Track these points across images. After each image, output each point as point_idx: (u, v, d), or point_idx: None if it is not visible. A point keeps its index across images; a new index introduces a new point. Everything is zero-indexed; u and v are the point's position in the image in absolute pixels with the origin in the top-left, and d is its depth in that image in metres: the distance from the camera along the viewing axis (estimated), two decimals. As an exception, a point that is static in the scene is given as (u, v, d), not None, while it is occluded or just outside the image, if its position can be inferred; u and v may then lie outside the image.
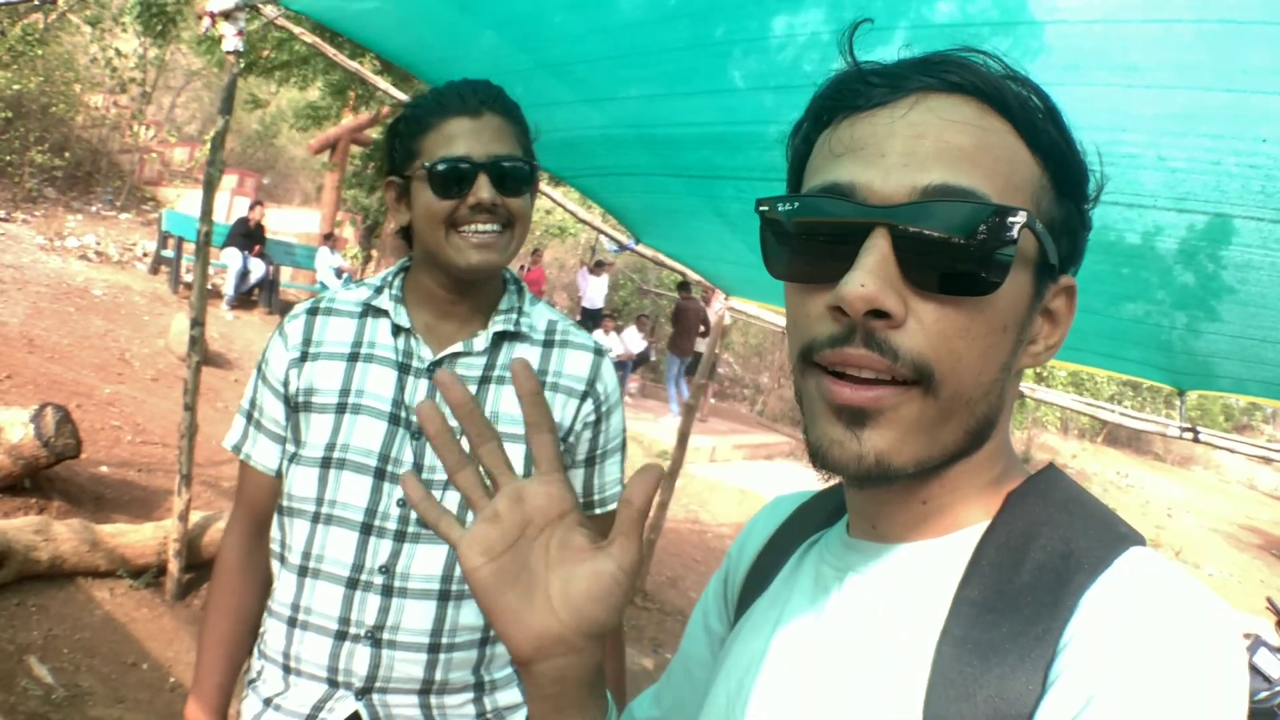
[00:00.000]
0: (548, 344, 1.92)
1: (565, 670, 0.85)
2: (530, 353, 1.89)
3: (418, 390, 1.82)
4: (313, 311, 1.91)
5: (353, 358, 1.85)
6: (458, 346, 1.83)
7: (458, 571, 1.75)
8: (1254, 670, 6.32)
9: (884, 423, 0.79)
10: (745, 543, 1.17)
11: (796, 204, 0.83)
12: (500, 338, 1.88)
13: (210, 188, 4.86)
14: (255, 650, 1.94)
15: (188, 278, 14.52)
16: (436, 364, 1.82)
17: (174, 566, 5.06)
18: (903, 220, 0.76)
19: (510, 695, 1.91)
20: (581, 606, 0.83)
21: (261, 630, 1.92)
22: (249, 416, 1.95)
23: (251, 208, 15.95)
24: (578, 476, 1.96)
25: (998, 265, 0.76)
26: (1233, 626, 0.71)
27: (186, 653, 4.60)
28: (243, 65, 4.42)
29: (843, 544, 0.95)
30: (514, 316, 1.89)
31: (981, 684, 0.74)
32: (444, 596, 1.78)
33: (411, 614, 1.76)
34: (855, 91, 0.83)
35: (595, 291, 19.55)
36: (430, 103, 1.80)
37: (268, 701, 1.85)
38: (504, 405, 1.83)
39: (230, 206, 20.76)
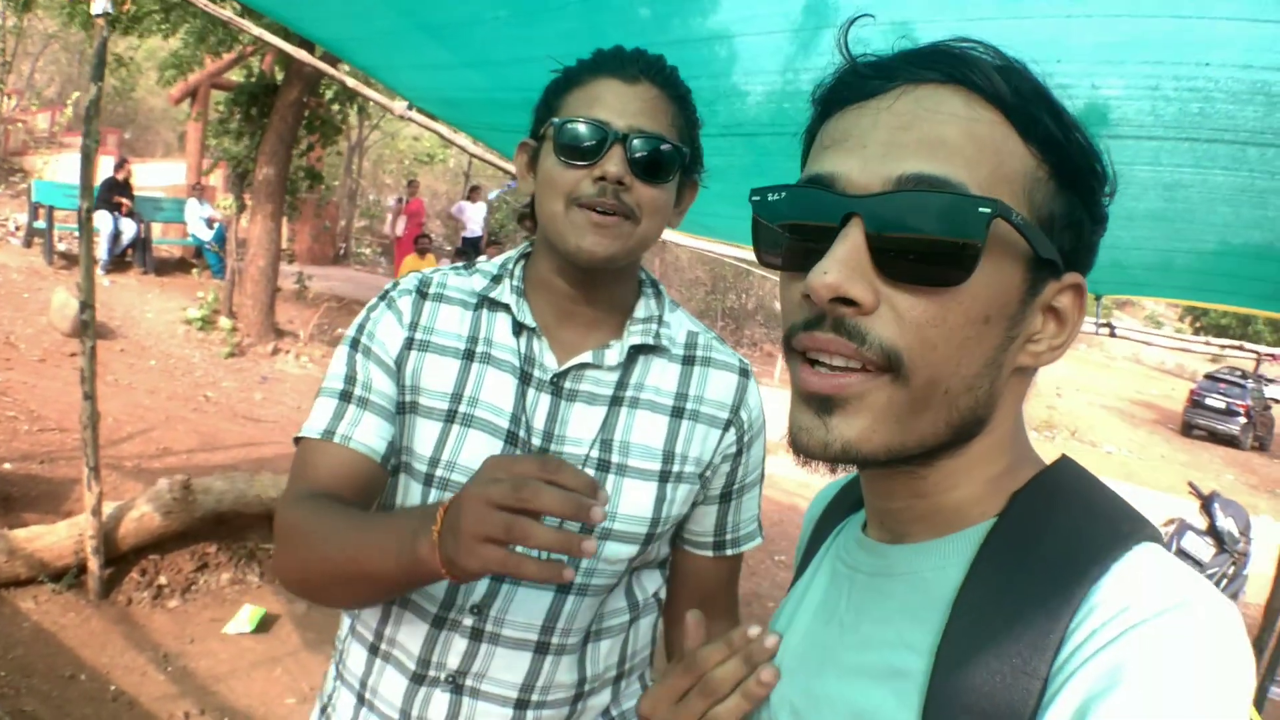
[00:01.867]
0: (688, 360, 1.67)
1: None
2: (668, 370, 1.65)
3: (538, 406, 1.57)
4: (421, 294, 1.63)
5: (467, 355, 1.59)
6: (586, 357, 1.58)
7: (561, 623, 1.57)
8: (1182, 554, 6.56)
9: (852, 410, 0.80)
10: (805, 522, 1.23)
11: (783, 194, 0.85)
12: (635, 351, 1.63)
13: (89, 160, 4.65)
14: (333, 668, 1.72)
15: (61, 246, 14.08)
16: (561, 375, 1.58)
17: (94, 564, 4.89)
18: (874, 209, 0.77)
19: None
20: None
21: (342, 649, 1.70)
22: (347, 395, 1.58)
23: (118, 167, 15.37)
24: (710, 514, 1.72)
25: (966, 256, 0.76)
26: (1238, 623, 0.71)
27: (121, 655, 4.47)
28: (111, 27, 4.21)
29: (856, 540, 0.98)
30: (654, 328, 1.64)
31: (979, 688, 0.75)
32: (542, 649, 1.57)
33: (502, 663, 1.56)
34: (847, 84, 0.85)
35: (474, 218, 19.31)
36: (587, 61, 1.56)
37: None
38: (636, 434, 1.59)
39: (96, 167, 20.05)
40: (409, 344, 1.59)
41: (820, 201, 0.81)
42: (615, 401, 1.60)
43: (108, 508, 5.09)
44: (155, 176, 21.26)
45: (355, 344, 1.62)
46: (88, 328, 4.71)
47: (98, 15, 4.25)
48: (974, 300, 0.78)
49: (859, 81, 0.84)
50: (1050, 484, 0.86)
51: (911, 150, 0.78)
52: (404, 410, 1.59)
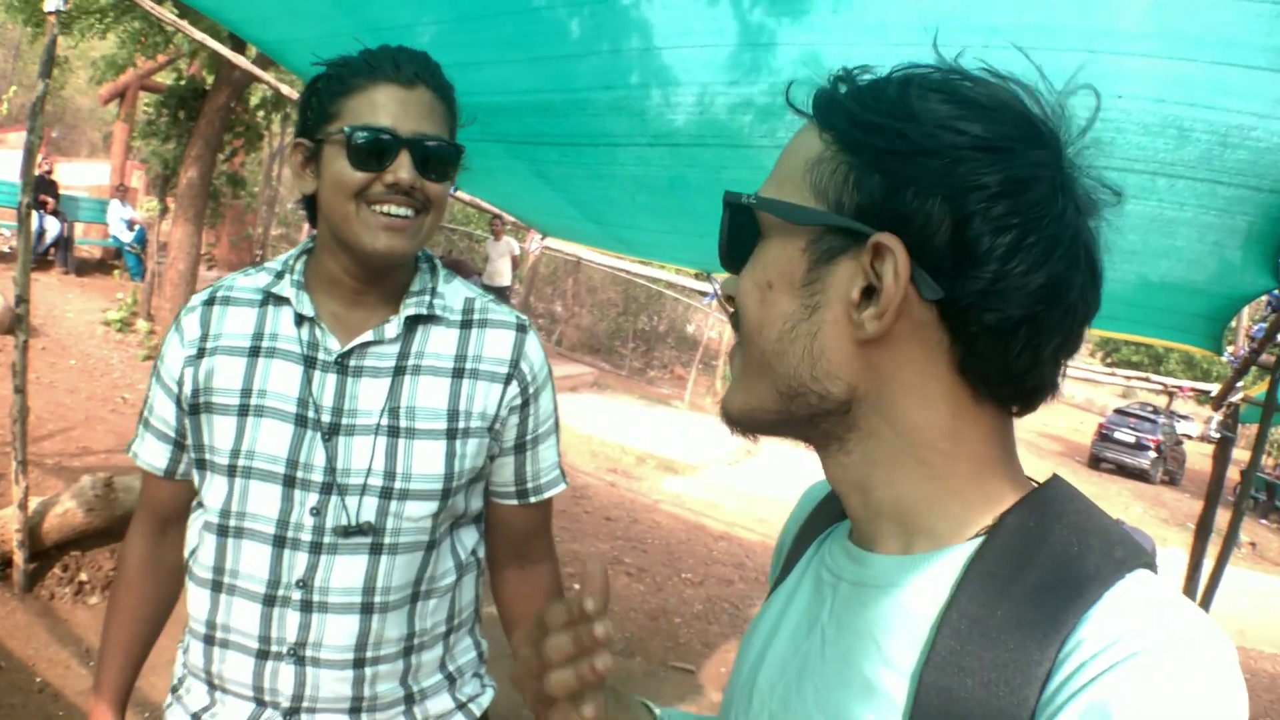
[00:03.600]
0: (465, 325, 1.76)
1: None
2: (446, 336, 1.74)
3: (325, 386, 1.66)
4: (210, 301, 1.74)
5: (253, 352, 1.69)
6: (367, 335, 1.67)
7: (380, 583, 1.68)
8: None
9: (733, 370, 0.93)
10: (787, 524, 1.18)
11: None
12: (414, 322, 1.73)
13: (31, 155, 4.62)
14: (179, 658, 1.82)
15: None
16: (345, 355, 1.67)
17: (19, 558, 4.83)
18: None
19: (441, 703, 1.83)
20: None
21: (183, 641, 1.81)
22: (141, 416, 1.83)
23: (40, 164, 15.13)
24: (509, 465, 1.83)
25: (737, 242, 0.91)
26: (1233, 658, 0.70)
27: (45, 648, 4.44)
28: (64, 26, 4.15)
29: (841, 547, 0.94)
30: (426, 298, 1.74)
31: (963, 716, 0.73)
32: (367, 609, 1.68)
33: (334, 629, 1.66)
34: None
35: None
36: (358, 64, 1.61)
37: (196, 718, 1.74)
38: (421, 399, 1.69)
39: (34, 164, 19.71)
40: (199, 354, 1.71)
41: None
42: (399, 371, 1.70)
43: (32, 503, 5.04)
44: (79, 176, 20.95)
45: (155, 368, 1.80)
46: (21, 321, 4.67)
47: (50, 12, 4.24)
48: (761, 269, 0.87)
49: None
50: (1040, 505, 0.82)
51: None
52: (198, 411, 1.70)
